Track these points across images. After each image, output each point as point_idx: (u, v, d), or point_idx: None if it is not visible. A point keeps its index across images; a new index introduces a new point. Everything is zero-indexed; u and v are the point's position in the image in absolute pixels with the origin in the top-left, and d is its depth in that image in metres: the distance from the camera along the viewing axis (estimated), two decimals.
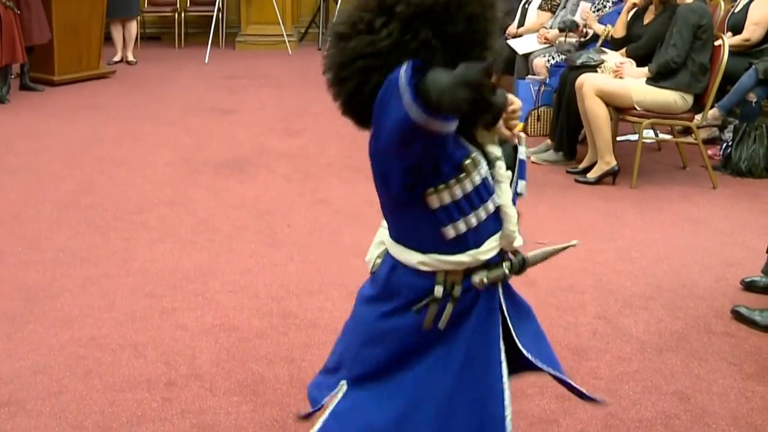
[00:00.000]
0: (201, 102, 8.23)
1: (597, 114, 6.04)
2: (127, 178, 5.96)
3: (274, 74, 9.66)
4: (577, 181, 6.16)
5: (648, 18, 6.41)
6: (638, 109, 6.07)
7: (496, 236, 2.09)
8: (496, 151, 2.09)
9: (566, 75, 6.52)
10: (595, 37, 7.14)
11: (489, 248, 2.08)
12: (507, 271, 2.13)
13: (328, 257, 4.67)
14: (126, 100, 8.27)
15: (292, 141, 6.96)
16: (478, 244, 2.07)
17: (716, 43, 6.00)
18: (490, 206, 2.06)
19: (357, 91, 1.98)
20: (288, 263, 4.60)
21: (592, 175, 6.13)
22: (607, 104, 6.07)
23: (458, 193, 2.00)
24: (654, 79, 6.01)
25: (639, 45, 6.36)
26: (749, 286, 4.41)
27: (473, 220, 2.04)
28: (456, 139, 1.98)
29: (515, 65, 7.94)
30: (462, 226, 2.03)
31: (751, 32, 6.88)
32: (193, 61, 10.27)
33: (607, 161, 6.09)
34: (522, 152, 2.18)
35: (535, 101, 7.31)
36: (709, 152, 6.55)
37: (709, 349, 3.82)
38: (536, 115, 7.26)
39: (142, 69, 9.83)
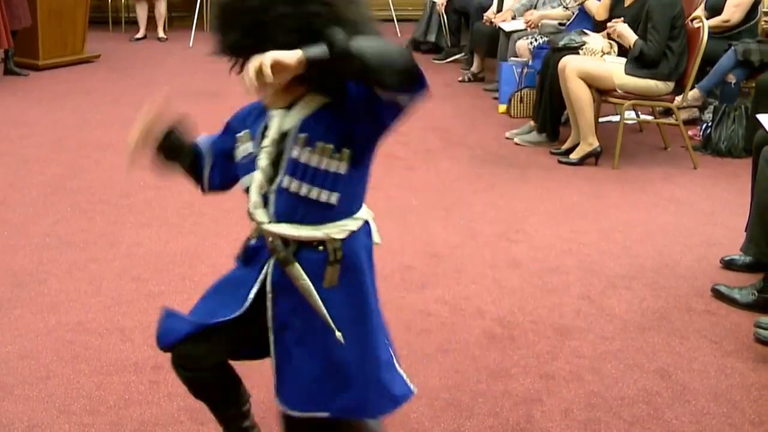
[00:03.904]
0: (186, 86, 8.21)
1: (579, 96, 6.08)
2: (113, 162, 5.96)
3: None
4: (560, 162, 6.20)
5: (629, 0, 6.44)
6: (620, 91, 6.11)
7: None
8: (267, 137, 2.24)
9: (549, 57, 6.55)
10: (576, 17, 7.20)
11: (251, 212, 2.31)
12: (274, 246, 2.27)
13: None
14: (111, 85, 8.25)
15: None
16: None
17: (696, 25, 6.04)
18: (246, 180, 2.30)
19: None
20: None
21: (574, 156, 6.17)
22: (590, 86, 6.11)
23: (237, 156, 2.35)
24: (633, 67, 6.03)
25: None
26: (729, 265, 4.47)
27: (242, 184, 2.34)
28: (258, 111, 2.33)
29: (498, 47, 7.99)
30: (242, 184, 2.34)
31: (730, 13, 6.93)
32: (178, 45, 10.24)
33: (590, 142, 6.13)
34: (290, 150, 2.23)
35: (519, 83, 7.35)
36: (690, 133, 6.60)
37: (690, 327, 3.88)
38: (519, 96, 7.30)
39: (127, 53, 9.80)
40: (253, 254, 2.36)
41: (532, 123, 6.73)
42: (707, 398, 3.33)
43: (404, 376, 2.42)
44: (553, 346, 3.67)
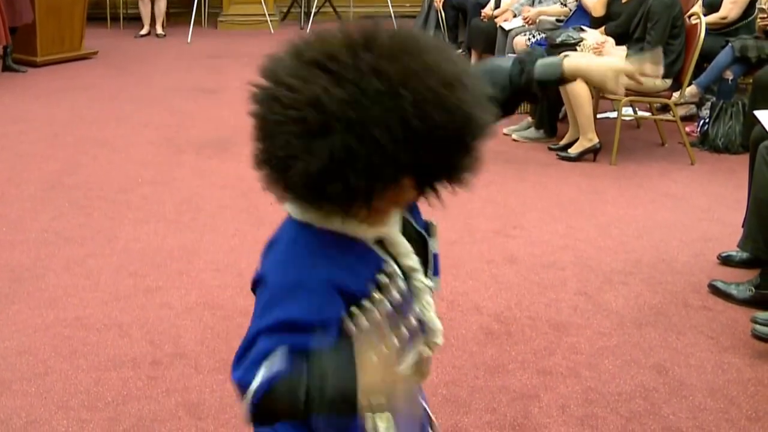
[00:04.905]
0: (184, 82, 8.22)
1: (578, 92, 6.08)
2: (111, 158, 5.97)
3: (257, 54, 9.54)
4: (558, 157, 6.20)
5: None
6: None
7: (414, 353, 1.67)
8: (408, 258, 1.70)
9: (546, 53, 6.56)
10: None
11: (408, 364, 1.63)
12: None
13: None
14: (109, 81, 8.25)
15: None
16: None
17: (693, 21, 6.04)
18: (412, 322, 1.67)
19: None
20: None
21: (573, 151, 6.17)
22: (587, 82, 6.10)
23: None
24: None
25: (617, 23, 6.40)
26: (726, 261, 4.47)
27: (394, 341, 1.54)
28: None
29: (496, 43, 7.99)
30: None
31: (728, 10, 6.93)
32: (176, 41, 10.24)
33: (590, 138, 6.13)
34: (433, 246, 1.81)
35: None
36: (687, 129, 6.60)
37: (686, 322, 3.88)
38: None
39: (125, 49, 9.80)
40: None
41: (529, 119, 6.74)
42: (704, 394, 3.34)
43: None
44: (550, 341, 3.68)
